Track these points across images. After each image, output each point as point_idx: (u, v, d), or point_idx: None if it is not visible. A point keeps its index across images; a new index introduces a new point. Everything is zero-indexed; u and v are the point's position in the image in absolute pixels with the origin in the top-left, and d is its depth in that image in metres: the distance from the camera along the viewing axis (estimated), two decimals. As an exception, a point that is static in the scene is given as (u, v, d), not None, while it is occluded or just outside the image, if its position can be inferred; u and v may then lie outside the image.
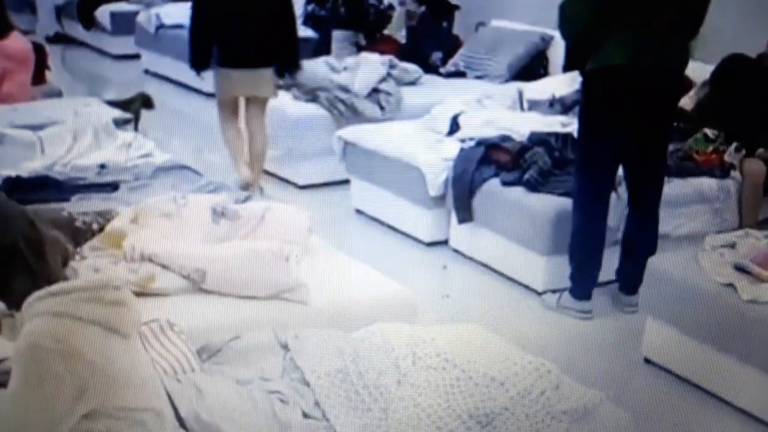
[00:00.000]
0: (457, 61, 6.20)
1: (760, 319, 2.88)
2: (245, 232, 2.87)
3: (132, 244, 2.69)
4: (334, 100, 5.12)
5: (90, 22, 8.77)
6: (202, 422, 1.95)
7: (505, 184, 3.95)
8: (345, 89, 5.20)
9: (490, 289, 3.93)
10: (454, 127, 4.52)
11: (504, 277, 3.98)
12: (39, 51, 5.02)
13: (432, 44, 6.33)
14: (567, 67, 3.57)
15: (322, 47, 6.87)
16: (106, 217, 2.89)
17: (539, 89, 5.03)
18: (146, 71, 7.95)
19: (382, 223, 4.57)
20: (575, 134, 3.82)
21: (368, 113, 5.14)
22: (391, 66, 5.53)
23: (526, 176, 3.89)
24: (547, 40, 5.96)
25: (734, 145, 4.25)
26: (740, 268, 3.05)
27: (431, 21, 6.51)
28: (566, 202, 3.69)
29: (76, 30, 9.03)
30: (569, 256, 3.64)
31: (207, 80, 5.10)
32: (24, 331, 1.66)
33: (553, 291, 3.75)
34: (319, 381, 2.12)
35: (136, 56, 8.13)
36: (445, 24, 6.51)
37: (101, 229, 2.83)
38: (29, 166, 3.56)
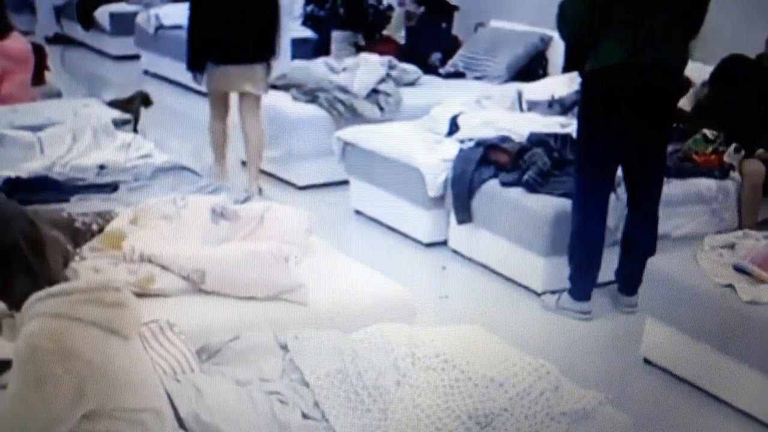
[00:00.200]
0: (456, 61, 6.20)
1: (759, 320, 2.88)
2: (245, 233, 2.87)
3: (131, 245, 2.69)
4: (333, 101, 5.12)
5: (89, 23, 8.76)
6: (201, 423, 1.95)
7: (504, 184, 3.95)
8: (344, 90, 5.20)
9: (489, 289, 3.93)
10: (454, 127, 4.52)
11: (503, 277, 3.98)
12: (38, 52, 5.02)
13: (431, 45, 6.33)
14: (566, 68, 3.57)
15: (321, 48, 6.88)
16: (105, 217, 2.89)
17: (538, 90, 5.03)
18: (146, 72, 7.95)
19: (381, 223, 4.56)
20: (574, 135, 3.82)
21: (367, 114, 5.13)
22: (391, 67, 5.53)
23: (526, 177, 3.88)
24: (546, 41, 5.96)
25: (733, 145, 4.24)
26: (739, 269, 3.04)
27: (430, 21, 6.51)
28: (565, 203, 3.69)
29: (75, 31, 9.03)
30: (568, 257, 3.64)
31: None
32: (24, 332, 1.66)
33: (553, 292, 3.74)
34: (318, 381, 2.12)
35: (135, 57, 8.13)
36: (444, 24, 6.51)
37: (101, 229, 2.83)
38: (29, 167, 3.55)
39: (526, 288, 3.89)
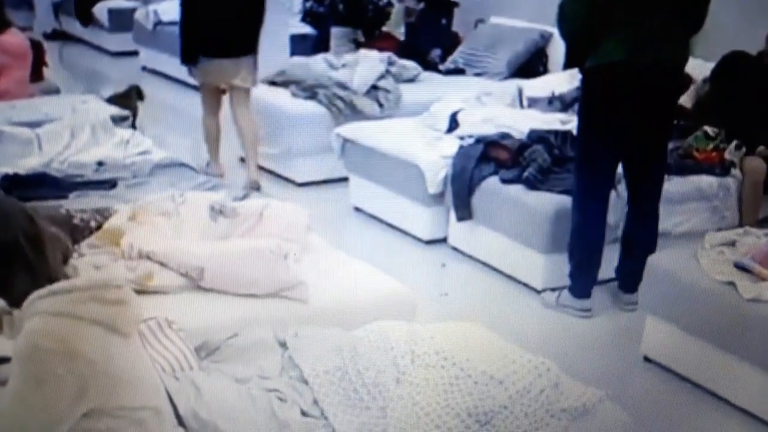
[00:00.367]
0: (456, 58, 6.19)
1: (760, 318, 2.87)
2: (244, 230, 2.86)
3: (130, 242, 2.69)
4: (332, 98, 5.11)
5: (88, 19, 8.75)
6: (200, 420, 1.95)
7: (504, 181, 3.94)
8: (344, 86, 5.19)
9: (489, 287, 3.93)
10: (453, 124, 4.51)
11: (503, 275, 3.98)
12: (36, 48, 5.01)
13: (431, 41, 6.32)
14: (567, 65, 3.56)
15: (320, 44, 6.87)
16: (104, 214, 2.89)
17: (539, 87, 5.02)
18: (144, 68, 7.94)
19: (380, 220, 4.55)
20: (575, 132, 3.81)
21: (367, 110, 5.12)
22: (390, 63, 5.52)
23: (526, 174, 3.88)
24: (546, 38, 5.96)
25: (734, 142, 4.24)
26: (740, 267, 3.04)
27: (430, 18, 6.50)
28: (566, 200, 3.68)
29: (73, 27, 9.01)
30: (569, 254, 3.63)
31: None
32: (24, 331, 1.65)
33: (553, 289, 3.74)
34: (317, 379, 2.11)
35: (134, 53, 8.12)
36: (444, 21, 6.50)
37: (99, 226, 2.83)
38: (27, 164, 3.55)
39: (526, 285, 3.88)
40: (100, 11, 8.62)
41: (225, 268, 2.61)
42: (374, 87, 5.26)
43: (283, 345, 2.26)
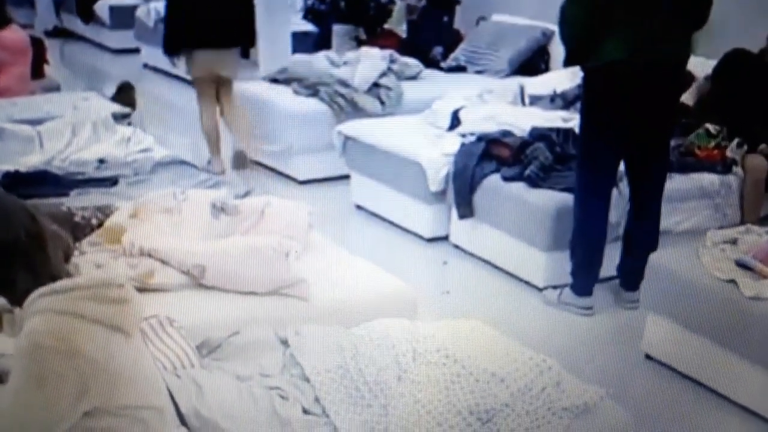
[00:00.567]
0: (457, 55, 6.18)
1: (761, 316, 2.87)
2: (245, 228, 2.86)
3: (131, 240, 2.69)
4: (334, 95, 5.11)
5: (89, 16, 8.75)
6: (201, 418, 1.95)
7: (506, 179, 3.94)
8: (345, 84, 5.18)
9: (490, 285, 3.92)
10: (455, 122, 4.50)
11: (505, 273, 3.97)
12: (38, 45, 5.01)
13: (433, 38, 6.31)
14: (567, 63, 3.56)
15: (322, 42, 6.86)
16: (105, 212, 2.89)
17: (540, 84, 5.01)
18: (145, 65, 7.93)
19: (382, 218, 4.55)
20: (576, 129, 3.81)
21: (368, 108, 5.12)
22: (392, 60, 5.51)
23: (527, 172, 3.87)
24: (548, 35, 5.94)
25: (736, 140, 4.23)
26: (742, 264, 3.03)
27: (432, 15, 6.49)
28: (567, 198, 3.67)
29: (74, 24, 9.01)
30: (570, 252, 3.63)
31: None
32: (26, 329, 1.64)
33: (554, 287, 3.73)
34: (319, 377, 2.11)
35: (135, 50, 8.11)
36: (445, 18, 6.49)
37: (100, 224, 2.83)
38: (28, 161, 3.55)
39: (527, 283, 3.88)
40: (101, 8, 8.61)
41: (226, 266, 2.61)
42: (376, 84, 5.25)
43: (285, 343, 2.25)
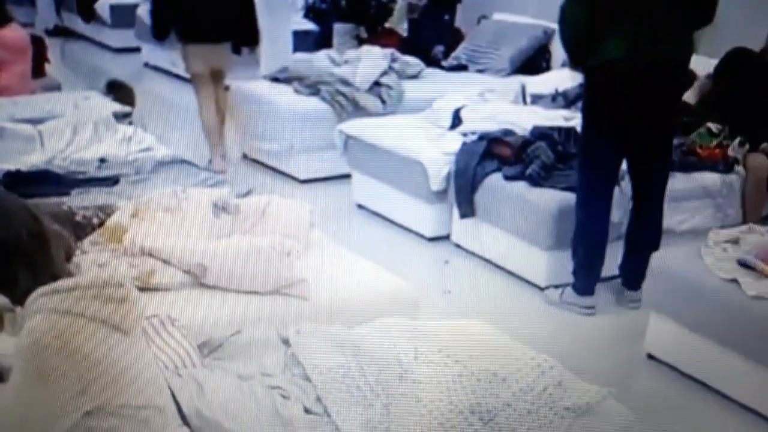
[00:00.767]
0: (459, 54, 6.17)
1: (764, 315, 2.86)
2: (246, 227, 2.85)
3: (132, 239, 2.68)
4: (335, 94, 5.10)
5: (90, 15, 8.74)
6: (203, 418, 1.95)
7: (507, 178, 3.93)
8: (346, 83, 5.18)
9: (492, 284, 3.92)
10: (456, 121, 4.50)
11: (506, 272, 3.97)
12: (38, 44, 5.00)
13: (434, 37, 6.30)
14: (573, 65, 3.56)
15: (323, 40, 6.85)
16: (106, 211, 2.88)
17: (542, 83, 5.01)
18: (146, 64, 7.93)
19: (383, 217, 4.55)
20: (578, 128, 3.80)
21: (370, 107, 5.11)
22: (393, 59, 5.50)
23: (529, 171, 3.86)
24: (549, 34, 5.93)
25: (738, 139, 4.22)
26: (744, 264, 3.03)
27: (433, 14, 6.48)
28: (569, 197, 3.67)
29: (75, 23, 9.00)
30: (572, 252, 3.62)
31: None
32: (27, 328, 1.64)
33: (556, 286, 3.73)
34: (320, 377, 2.11)
35: (136, 49, 8.10)
36: (447, 17, 6.48)
37: (101, 223, 2.82)
38: (29, 160, 3.54)
39: (529, 282, 3.88)
40: (102, 7, 8.60)
41: (227, 265, 2.61)
42: (377, 83, 5.25)
43: (286, 342, 2.25)
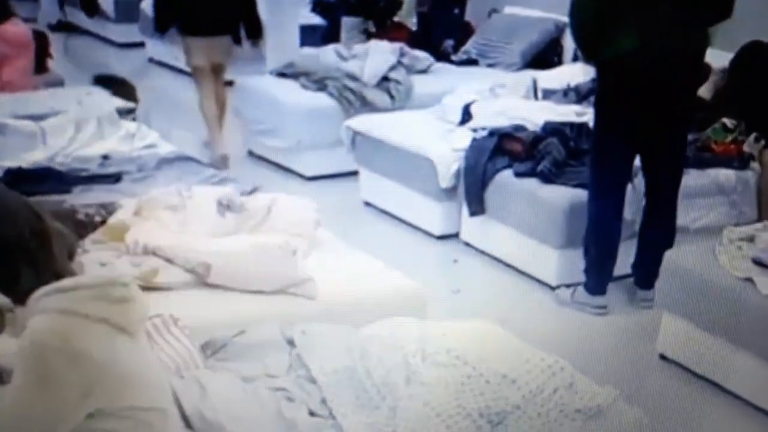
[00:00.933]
0: (469, 48, 6.15)
1: (780, 315, 2.82)
2: (251, 226, 2.85)
3: (135, 237, 2.68)
4: (342, 89, 5.08)
5: (93, 10, 8.74)
6: (205, 420, 1.94)
7: (518, 175, 3.91)
8: (354, 78, 5.15)
9: (502, 283, 3.90)
10: (466, 116, 4.48)
11: (516, 271, 3.95)
12: (41, 39, 5.00)
13: (443, 31, 6.28)
14: (586, 59, 3.54)
15: (330, 35, 6.83)
16: (108, 209, 2.88)
17: (553, 78, 4.99)
18: (150, 59, 7.92)
19: (391, 215, 4.53)
20: (590, 124, 3.77)
21: (378, 102, 5.09)
22: (402, 54, 5.47)
23: (540, 167, 3.84)
24: (561, 28, 5.89)
25: (753, 135, 4.19)
26: (759, 262, 3.00)
27: (443, 7, 6.46)
28: (581, 194, 3.64)
29: (78, 18, 9.00)
30: (584, 250, 3.59)
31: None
32: (29, 328, 1.63)
33: (567, 285, 3.70)
34: (326, 378, 2.10)
35: (140, 44, 8.09)
36: (456, 10, 6.47)
37: (104, 221, 2.82)
38: (31, 157, 3.55)
39: (540, 282, 3.85)
40: (105, 2, 8.60)
41: (232, 265, 2.60)
42: (385, 78, 5.22)
43: (291, 343, 2.24)
